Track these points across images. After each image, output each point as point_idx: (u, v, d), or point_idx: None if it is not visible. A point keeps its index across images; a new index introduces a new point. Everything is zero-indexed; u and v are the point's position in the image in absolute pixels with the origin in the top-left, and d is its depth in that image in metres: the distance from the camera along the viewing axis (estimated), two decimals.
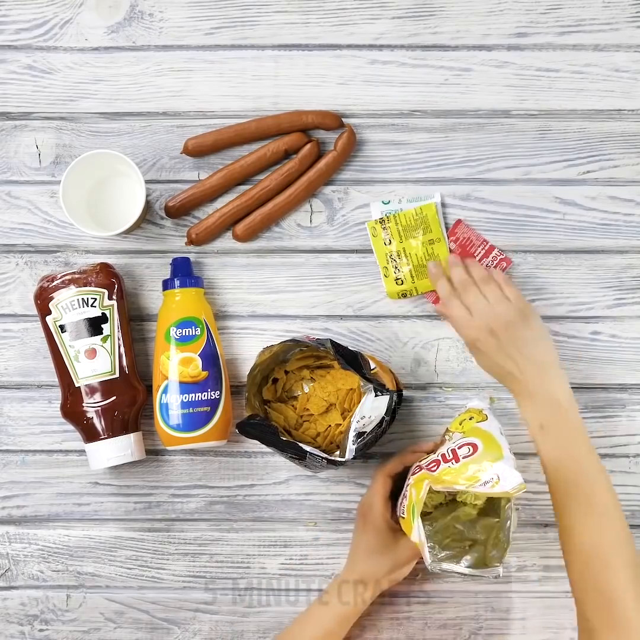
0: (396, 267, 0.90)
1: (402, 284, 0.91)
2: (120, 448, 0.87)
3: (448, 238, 0.92)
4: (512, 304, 0.84)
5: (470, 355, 0.89)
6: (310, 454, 0.80)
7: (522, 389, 0.82)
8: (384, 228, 0.90)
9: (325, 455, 0.81)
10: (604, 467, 0.79)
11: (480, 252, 0.92)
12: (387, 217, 0.91)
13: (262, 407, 0.88)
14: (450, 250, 0.92)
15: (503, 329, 0.82)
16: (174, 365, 0.87)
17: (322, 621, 0.84)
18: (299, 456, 0.81)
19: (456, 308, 0.85)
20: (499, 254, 0.91)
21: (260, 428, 0.82)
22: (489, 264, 0.91)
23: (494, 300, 0.84)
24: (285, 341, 0.85)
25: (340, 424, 0.88)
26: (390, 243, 0.90)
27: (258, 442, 0.91)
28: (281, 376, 0.89)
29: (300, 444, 0.81)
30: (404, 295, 0.91)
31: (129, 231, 0.91)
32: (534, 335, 0.83)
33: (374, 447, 0.87)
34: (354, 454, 0.80)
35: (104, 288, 0.88)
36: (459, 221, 0.92)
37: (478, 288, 0.85)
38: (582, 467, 0.78)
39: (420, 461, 0.81)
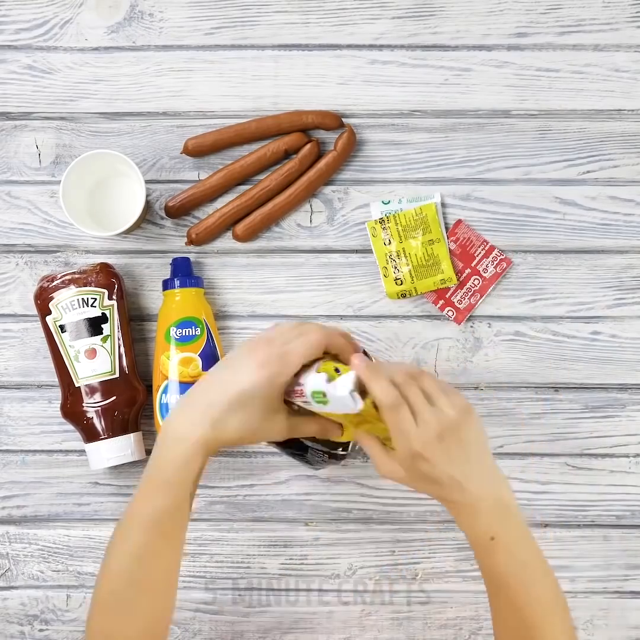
0: (396, 267, 0.90)
1: (401, 284, 0.91)
2: (120, 448, 0.87)
3: (448, 238, 0.92)
4: (456, 404, 0.69)
5: (406, 469, 0.71)
6: (312, 448, 0.80)
7: (468, 499, 0.69)
8: (383, 228, 0.91)
9: (326, 449, 0.81)
10: (553, 575, 0.72)
11: (480, 253, 0.92)
12: (387, 217, 0.91)
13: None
14: (450, 250, 0.92)
15: (452, 434, 0.68)
16: (174, 365, 0.87)
17: (165, 488, 0.70)
18: (300, 451, 0.81)
19: (402, 415, 0.68)
20: (499, 254, 0.92)
21: None
22: (489, 264, 0.91)
23: (438, 402, 0.69)
24: None
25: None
26: (389, 243, 0.90)
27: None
28: None
29: (301, 439, 0.81)
30: (404, 296, 0.91)
31: (129, 231, 0.91)
32: (476, 436, 0.71)
33: None
34: (357, 447, 0.80)
35: (104, 288, 0.88)
36: (459, 221, 0.92)
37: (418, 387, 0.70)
38: (534, 576, 0.71)
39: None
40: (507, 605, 0.71)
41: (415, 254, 0.91)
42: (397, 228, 0.90)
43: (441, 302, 0.92)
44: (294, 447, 0.81)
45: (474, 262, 0.92)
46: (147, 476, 0.71)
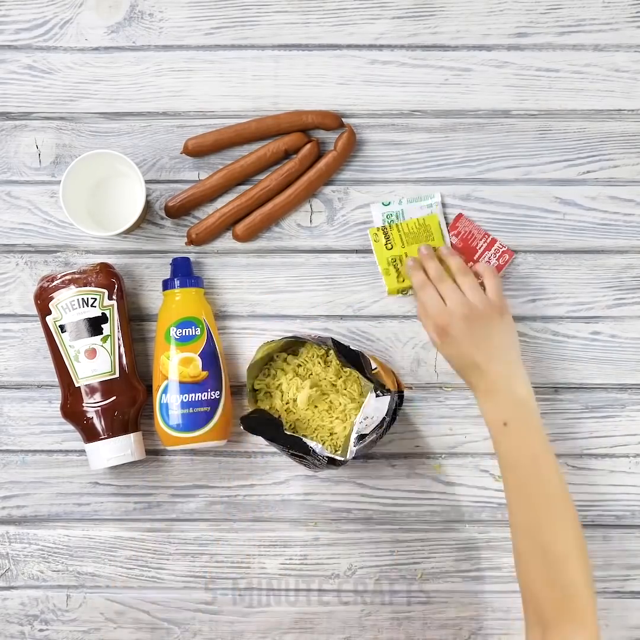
0: (397, 268, 0.91)
1: (403, 281, 0.91)
2: (120, 448, 0.87)
3: (449, 232, 0.92)
4: (487, 297, 0.83)
5: (435, 344, 0.85)
6: (313, 450, 0.80)
7: (486, 384, 0.81)
8: (386, 235, 0.90)
9: (327, 453, 0.81)
10: (561, 470, 0.79)
11: (482, 245, 0.92)
12: (389, 225, 0.90)
13: (254, 398, 0.89)
14: (452, 244, 0.92)
15: (476, 319, 0.82)
16: (174, 365, 0.87)
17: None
18: (302, 452, 0.81)
19: (430, 294, 0.84)
20: (501, 246, 0.92)
21: (264, 422, 0.82)
22: (492, 257, 0.92)
23: (469, 292, 0.83)
24: (286, 337, 0.85)
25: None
26: (391, 248, 0.90)
27: (258, 442, 0.91)
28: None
29: (304, 440, 0.81)
30: (404, 291, 0.91)
31: (129, 231, 0.91)
32: (506, 330, 0.83)
33: (374, 447, 0.87)
34: (354, 454, 0.80)
35: (104, 288, 0.88)
36: (459, 215, 0.92)
37: (453, 281, 0.85)
38: (541, 468, 0.78)
39: None
40: (517, 489, 0.78)
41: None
42: (400, 234, 0.90)
43: None
44: (296, 449, 0.81)
45: (477, 255, 0.92)
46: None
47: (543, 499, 0.77)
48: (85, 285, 0.87)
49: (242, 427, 0.83)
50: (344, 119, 0.92)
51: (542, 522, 0.76)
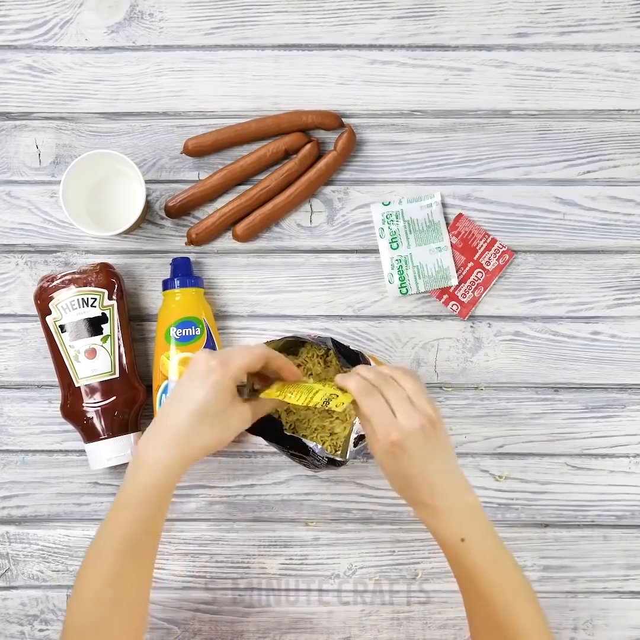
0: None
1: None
2: (120, 448, 0.87)
3: (449, 232, 0.92)
4: (429, 407, 0.72)
5: (381, 462, 0.72)
6: (313, 451, 0.80)
7: (438, 501, 0.72)
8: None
9: (327, 454, 0.81)
10: (513, 556, 0.74)
11: (482, 245, 0.92)
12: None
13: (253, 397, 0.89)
14: (452, 245, 0.92)
15: (430, 431, 0.71)
16: (174, 365, 0.87)
17: (133, 504, 0.72)
18: (302, 452, 0.81)
19: (377, 404, 0.71)
20: (501, 246, 0.92)
21: (264, 422, 0.82)
22: (492, 257, 0.92)
23: (416, 398, 0.71)
24: (286, 337, 0.85)
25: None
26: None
27: (258, 442, 0.91)
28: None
29: (304, 440, 0.81)
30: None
31: (129, 231, 0.91)
32: (448, 438, 0.73)
33: None
34: (354, 454, 0.80)
35: (104, 288, 0.88)
36: (460, 215, 0.92)
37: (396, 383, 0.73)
38: (502, 570, 0.73)
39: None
40: (479, 599, 0.73)
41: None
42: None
43: (445, 296, 0.92)
44: (296, 449, 0.81)
45: (477, 256, 0.92)
46: (118, 501, 0.73)
47: (511, 597, 0.72)
48: (85, 285, 0.87)
49: None
50: (344, 119, 0.92)
51: (512, 622, 0.72)
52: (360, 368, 0.75)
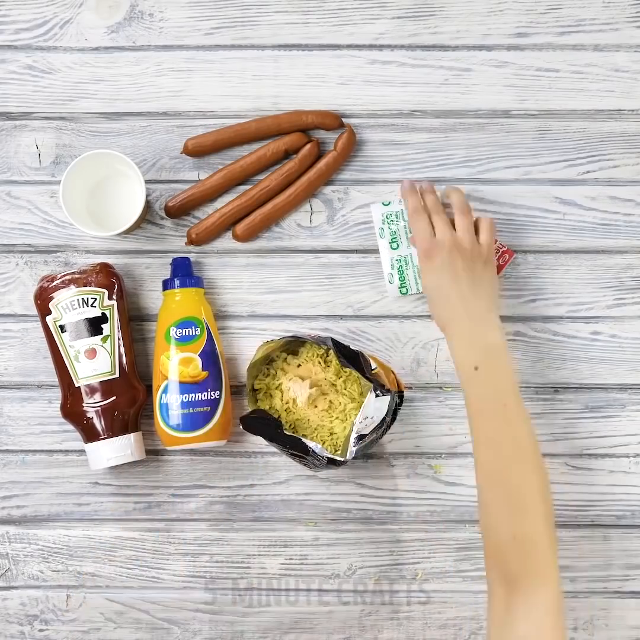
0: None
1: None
2: (120, 448, 0.87)
3: None
4: (476, 242, 0.83)
5: (420, 269, 0.84)
6: (313, 451, 0.80)
7: (460, 326, 0.81)
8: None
9: (327, 454, 0.81)
10: (529, 415, 0.79)
11: None
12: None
13: (254, 398, 0.89)
14: None
15: (460, 256, 0.82)
16: (174, 365, 0.87)
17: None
18: (302, 452, 0.81)
19: (421, 221, 0.83)
20: (501, 246, 0.91)
21: (263, 422, 0.82)
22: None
23: (460, 231, 0.83)
24: (285, 337, 0.85)
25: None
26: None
27: (258, 442, 0.91)
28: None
29: (303, 440, 0.81)
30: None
31: (129, 231, 0.91)
32: (487, 278, 0.83)
33: (374, 447, 0.87)
34: (354, 454, 0.80)
35: (104, 288, 0.88)
36: None
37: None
38: (510, 415, 0.78)
39: None
40: (485, 436, 0.77)
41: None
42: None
43: None
44: (296, 449, 0.81)
45: None
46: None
47: (511, 447, 0.77)
48: (85, 285, 0.87)
49: (242, 427, 0.83)
50: (344, 119, 0.92)
51: (511, 470, 0.76)
52: (426, 186, 0.87)
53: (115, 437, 0.87)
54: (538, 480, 0.76)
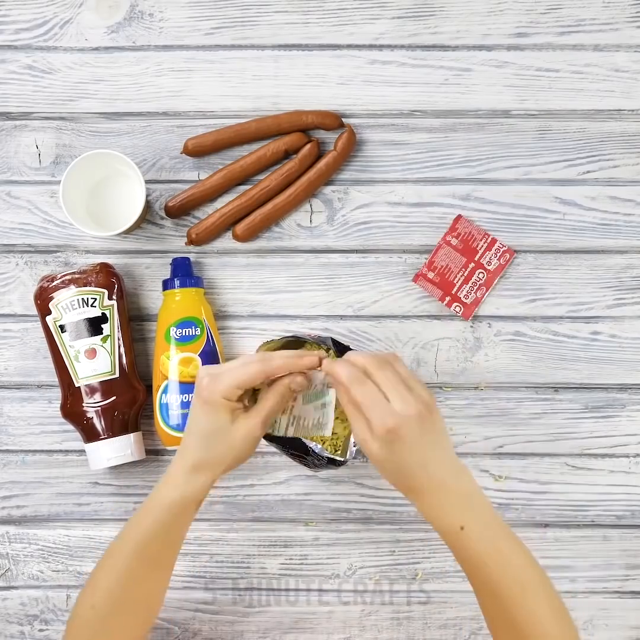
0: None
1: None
2: (120, 448, 0.87)
3: (449, 234, 0.92)
4: (424, 392, 0.70)
5: (371, 452, 0.69)
6: (313, 450, 0.80)
7: (435, 489, 0.70)
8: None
9: (327, 454, 0.81)
10: (523, 545, 0.72)
11: (482, 246, 0.92)
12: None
13: (254, 398, 0.89)
14: (452, 246, 0.92)
15: (427, 418, 0.68)
16: (174, 365, 0.87)
17: (153, 512, 0.73)
18: (302, 452, 0.81)
19: (369, 391, 0.68)
20: (501, 245, 0.92)
21: None
22: (493, 257, 0.92)
23: (412, 382, 0.70)
24: (285, 337, 0.85)
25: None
26: None
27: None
28: None
29: (304, 440, 0.81)
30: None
31: (129, 231, 0.91)
32: (444, 426, 0.71)
33: None
34: (354, 454, 0.80)
35: (104, 288, 0.88)
36: (459, 216, 0.92)
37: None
38: (506, 559, 0.71)
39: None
40: (486, 586, 0.71)
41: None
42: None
43: (448, 298, 0.92)
44: (296, 449, 0.81)
45: (477, 256, 0.92)
46: (143, 506, 0.75)
47: (517, 590, 0.70)
48: (85, 285, 0.87)
49: None
50: (344, 119, 0.92)
51: (521, 616, 0.70)
52: (351, 354, 0.73)
53: (115, 437, 0.87)
54: (553, 615, 0.71)
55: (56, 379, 0.89)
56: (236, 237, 0.92)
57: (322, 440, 0.87)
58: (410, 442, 0.68)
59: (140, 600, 0.74)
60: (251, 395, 0.88)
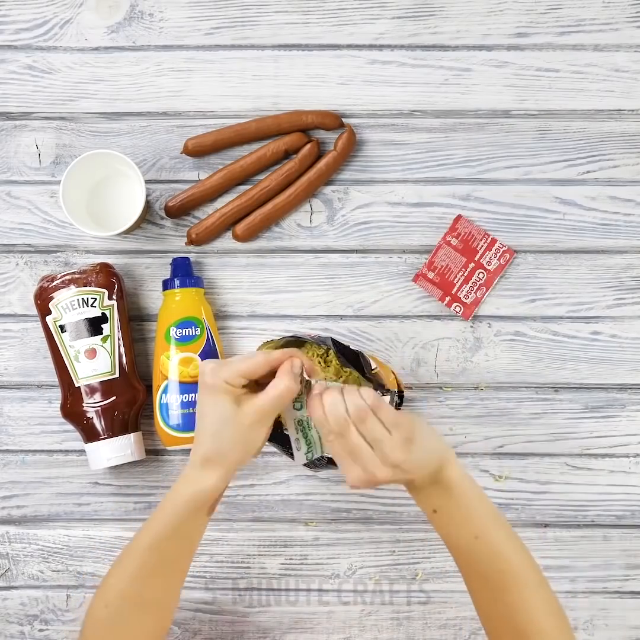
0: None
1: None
2: (120, 448, 0.87)
3: (449, 234, 0.92)
4: (405, 417, 0.71)
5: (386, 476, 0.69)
6: None
7: (410, 476, 0.71)
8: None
9: (327, 454, 0.81)
10: (513, 539, 0.73)
11: (482, 246, 0.92)
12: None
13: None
14: (452, 246, 0.92)
15: (407, 449, 0.69)
16: (174, 365, 0.87)
17: (166, 511, 0.72)
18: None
19: (354, 443, 0.69)
20: (501, 245, 0.92)
21: None
22: (493, 257, 0.92)
23: (389, 426, 0.69)
24: (285, 337, 0.85)
25: None
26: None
27: None
28: None
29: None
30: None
31: (129, 231, 0.91)
32: (429, 433, 0.72)
33: None
34: None
35: (104, 288, 0.88)
36: (459, 217, 0.92)
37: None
38: (484, 546, 0.72)
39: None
40: (468, 569, 0.74)
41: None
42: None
43: (448, 298, 0.92)
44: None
45: (477, 256, 0.92)
46: (159, 506, 0.74)
47: (498, 578, 0.71)
48: (85, 285, 0.87)
49: None
50: (344, 119, 0.92)
51: (505, 603, 0.71)
52: (330, 395, 0.71)
53: (115, 437, 0.87)
54: (542, 605, 0.71)
55: (56, 379, 0.89)
56: (236, 237, 0.92)
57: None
58: (414, 461, 0.69)
59: (153, 600, 0.73)
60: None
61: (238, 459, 0.72)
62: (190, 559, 0.75)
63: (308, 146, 0.91)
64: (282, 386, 0.71)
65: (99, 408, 0.87)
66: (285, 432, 0.83)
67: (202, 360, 0.87)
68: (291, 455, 0.82)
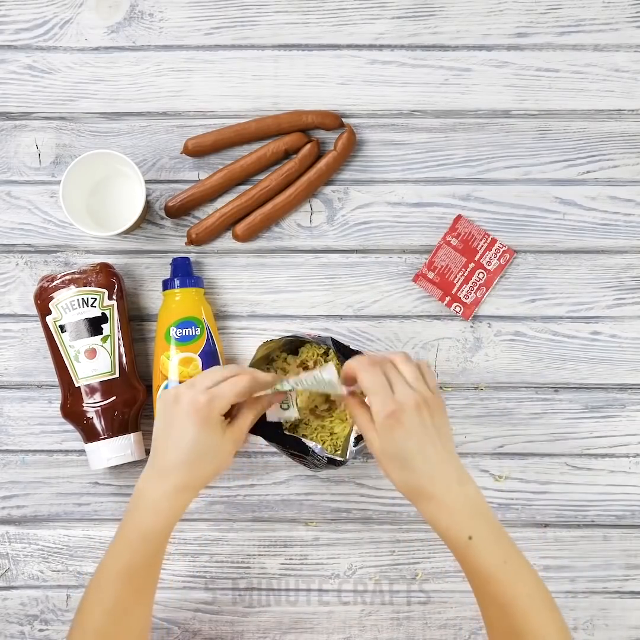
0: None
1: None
2: (120, 448, 0.87)
3: (449, 234, 0.92)
4: (431, 390, 0.72)
5: (372, 440, 0.72)
6: (313, 451, 0.80)
7: (442, 494, 0.70)
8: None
9: (327, 454, 0.81)
10: (532, 568, 0.71)
11: (482, 246, 0.92)
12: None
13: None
14: (452, 246, 0.92)
15: (430, 410, 0.71)
16: (174, 365, 0.87)
17: (136, 543, 0.72)
18: (301, 452, 0.81)
19: (377, 378, 0.71)
20: (501, 245, 0.92)
21: (263, 422, 0.82)
22: (493, 257, 0.92)
23: (415, 381, 0.72)
24: (286, 336, 0.85)
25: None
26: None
27: (258, 442, 0.91)
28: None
29: (303, 440, 0.81)
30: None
31: (129, 231, 0.91)
32: (449, 426, 0.73)
33: None
34: (354, 454, 0.80)
35: (104, 288, 0.88)
36: (459, 217, 0.92)
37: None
38: (512, 571, 0.70)
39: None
40: (493, 600, 0.70)
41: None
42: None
43: (448, 298, 0.92)
44: (296, 449, 0.81)
45: (477, 256, 0.92)
46: (119, 535, 0.74)
47: (522, 603, 0.69)
48: (85, 285, 0.87)
49: None
50: (344, 119, 0.92)
51: (524, 628, 0.69)
52: (363, 354, 0.76)
53: (115, 437, 0.87)
54: (556, 632, 0.70)
55: (56, 379, 0.89)
56: (236, 237, 0.92)
57: (322, 440, 0.87)
58: (410, 430, 0.69)
59: (131, 631, 0.74)
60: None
61: (210, 481, 0.75)
62: (157, 582, 0.75)
63: (308, 146, 0.91)
64: (259, 408, 0.78)
65: (99, 408, 0.87)
66: (285, 432, 0.83)
67: (202, 360, 0.87)
68: (291, 455, 0.82)
